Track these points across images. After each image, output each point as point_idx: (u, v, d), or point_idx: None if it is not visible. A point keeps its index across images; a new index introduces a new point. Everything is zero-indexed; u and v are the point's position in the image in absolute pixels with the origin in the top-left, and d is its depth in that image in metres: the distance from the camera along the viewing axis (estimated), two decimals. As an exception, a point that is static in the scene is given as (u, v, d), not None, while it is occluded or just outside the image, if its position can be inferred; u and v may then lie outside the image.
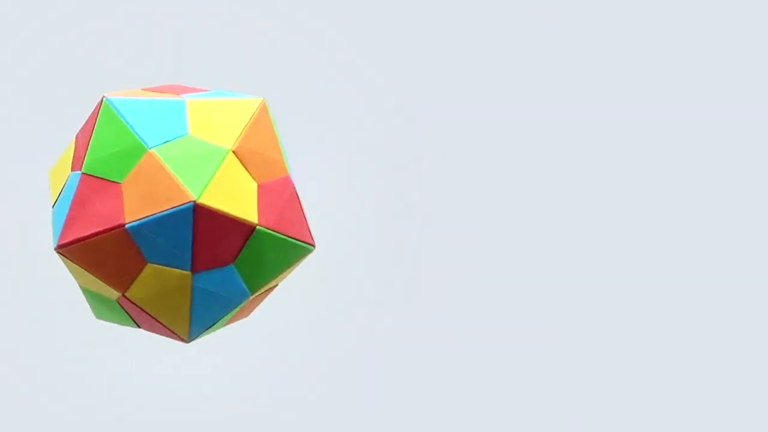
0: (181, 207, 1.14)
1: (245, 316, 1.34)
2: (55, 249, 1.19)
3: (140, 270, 1.19)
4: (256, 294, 1.27)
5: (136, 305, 1.22)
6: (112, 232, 1.16)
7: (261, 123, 1.22)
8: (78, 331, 1.80)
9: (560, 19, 1.87)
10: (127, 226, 1.16)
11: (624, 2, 1.87)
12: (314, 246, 1.27)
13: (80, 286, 1.27)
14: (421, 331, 1.86)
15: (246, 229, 1.19)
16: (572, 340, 1.86)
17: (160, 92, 1.27)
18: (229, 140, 1.19)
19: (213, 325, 1.26)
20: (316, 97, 1.84)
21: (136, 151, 1.17)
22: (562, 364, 1.86)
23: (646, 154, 1.89)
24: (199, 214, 1.14)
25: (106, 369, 1.82)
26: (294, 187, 1.25)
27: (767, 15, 1.86)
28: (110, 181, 1.18)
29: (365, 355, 1.86)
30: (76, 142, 1.25)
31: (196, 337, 1.26)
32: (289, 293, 1.44)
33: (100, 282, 1.21)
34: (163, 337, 1.29)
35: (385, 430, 1.84)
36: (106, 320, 1.31)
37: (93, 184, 1.19)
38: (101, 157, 1.19)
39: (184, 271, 1.18)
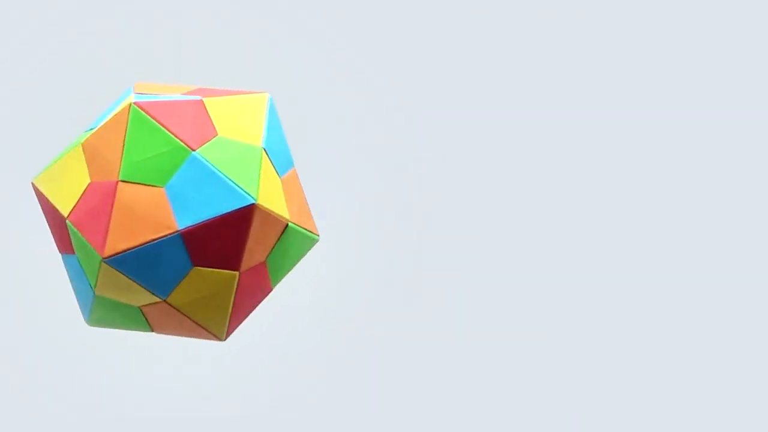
0: (240, 209, 1.14)
1: None
2: (103, 260, 1.17)
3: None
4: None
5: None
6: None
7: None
8: (78, 332, 1.80)
9: (560, 20, 1.87)
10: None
11: (624, 2, 1.87)
12: (318, 236, 1.28)
13: (98, 295, 1.25)
14: (421, 331, 1.86)
15: (282, 226, 1.20)
16: (572, 339, 1.86)
17: (165, 91, 1.27)
18: (256, 138, 1.20)
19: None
20: (316, 97, 1.84)
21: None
22: (561, 364, 1.86)
23: (645, 154, 1.89)
24: (258, 215, 1.15)
25: (106, 369, 1.82)
26: (299, 179, 1.26)
27: (767, 15, 1.86)
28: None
29: (365, 355, 1.86)
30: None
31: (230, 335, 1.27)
32: (289, 293, 1.45)
33: (139, 289, 1.20)
34: (164, 337, 1.29)
35: (385, 430, 1.84)
36: (101, 326, 1.30)
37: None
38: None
39: (232, 272, 1.18)
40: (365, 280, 1.87)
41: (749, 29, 1.86)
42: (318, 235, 1.29)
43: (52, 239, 1.30)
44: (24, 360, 1.81)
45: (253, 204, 1.16)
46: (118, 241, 1.16)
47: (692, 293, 1.87)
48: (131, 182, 1.16)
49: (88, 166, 1.20)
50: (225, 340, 1.26)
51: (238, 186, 1.16)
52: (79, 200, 1.19)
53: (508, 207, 1.87)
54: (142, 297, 1.20)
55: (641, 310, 1.87)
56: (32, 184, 1.20)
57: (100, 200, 1.18)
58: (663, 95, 1.88)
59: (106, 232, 1.17)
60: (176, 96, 1.23)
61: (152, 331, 1.28)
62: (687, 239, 1.88)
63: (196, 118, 1.20)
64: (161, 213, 1.15)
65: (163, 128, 1.18)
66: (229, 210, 1.16)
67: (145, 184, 1.16)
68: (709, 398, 1.85)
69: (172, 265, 1.17)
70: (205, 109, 1.21)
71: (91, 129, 1.24)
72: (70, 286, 1.37)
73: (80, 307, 1.27)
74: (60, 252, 1.24)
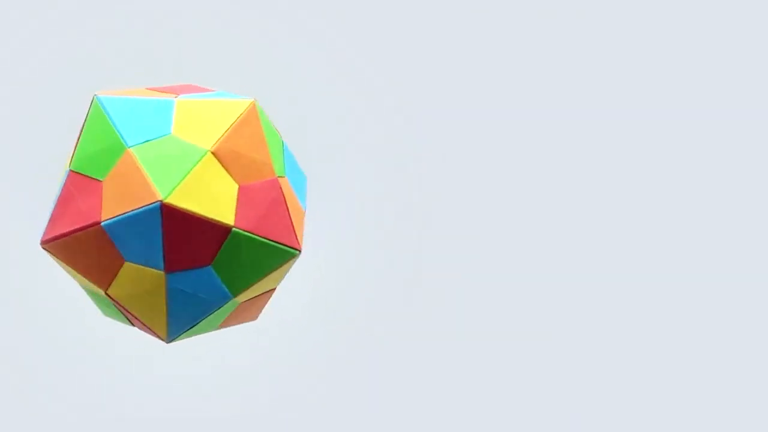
0: (149, 206, 1.14)
1: (253, 319, 1.34)
2: (40, 244, 1.20)
3: (119, 268, 1.19)
4: (245, 296, 1.26)
5: (118, 303, 1.22)
6: (90, 229, 1.17)
7: (248, 124, 1.21)
8: (78, 332, 1.80)
9: (559, 20, 1.87)
10: (102, 224, 1.16)
11: (624, 2, 1.87)
12: (299, 250, 1.26)
13: (79, 284, 1.28)
14: (421, 331, 1.86)
15: (221, 231, 1.18)
16: (571, 339, 1.86)
17: (161, 91, 1.27)
18: (209, 141, 1.19)
19: (195, 325, 1.25)
20: (316, 97, 1.84)
21: (117, 149, 1.17)
22: (561, 364, 1.86)
23: (645, 154, 1.89)
24: (166, 214, 1.14)
25: (106, 369, 1.82)
26: (281, 190, 1.23)
27: (766, 15, 1.86)
28: (93, 178, 1.18)
29: (365, 355, 1.86)
30: (220, 155, 1.22)
31: (177, 337, 1.25)
32: (289, 293, 1.45)
33: (84, 279, 1.22)
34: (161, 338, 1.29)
35: (385, 430, 1.84)
36: (111, 317, 1.30)
37: (78, 181, 1.19)
38: (87, 155, 1.19)
39: (158, 271, 1.18)
40: (365, 280, 1.87)
41: (749, 29, 1.86)
42: (298, 249, 1.27)
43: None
44: (24, 360, 1.81)
45: (160, 202, 1.15)
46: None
47: (692, 293, 1.87)
48: (78, 173, 1.19)
49: (229, 172, 1.18)
50: (169, 341, 1.25)
51: (153, 183, 1.15)
52: (237, 206, 1.18)
53: (508, 207, 1.87)
54: (94, 287, 1.22)
55: (641, 310, 1.87)
56: (167, 204, 1.17)
57: (270, 200, 1.19)
58: (662, 95, 1.88)
59: (49, 218, 1.20)
60: (156, 96, 1.24)
61: (133, 325, 1.28)
62: (687, 239, 1.88)
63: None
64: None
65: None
66: (141, 206, 1.16)
67: (88, 176, 1.18)
68: (709, 398, 1.85)
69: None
70: (172, 108, 1.21)
71: (146, 141, 1.22)
72: (69, 286, 1.37)
73: (174, 323, 1.26)
74: (178, 268, 1.22)
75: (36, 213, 1.39)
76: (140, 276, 1.18)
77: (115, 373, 1.82)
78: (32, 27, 1.77)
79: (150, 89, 1.28)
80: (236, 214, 1.18)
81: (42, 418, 1.79)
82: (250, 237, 1.19)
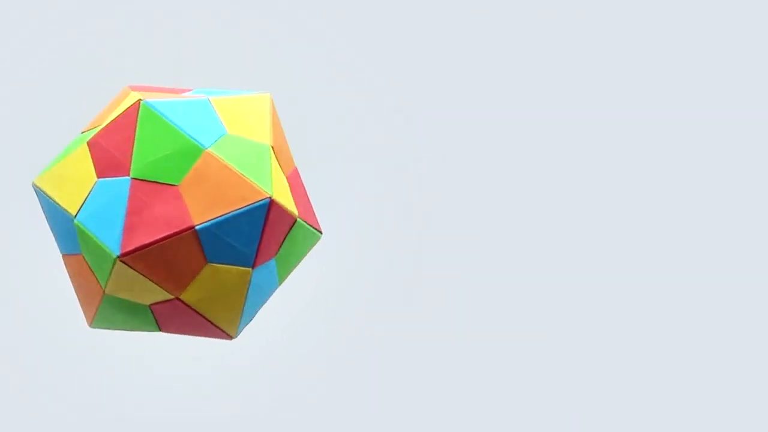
0: (257, 204, 1.14)
1: None
2: (118, 258, 1.16)
3: (199, 271, 1.18)
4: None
5: (189, 307, 1.21)
6: (182, 235, 1.16)
7: (275, 118, 1.24)
8: (78, 332, 1.80)
9: (559, 21, 1.87)
10: (197, 227, 1.15)
11: (623, 2, 1.87)
12: (321, 233, 1.28)
13: (107, 294, 1.24)
14: (421, 331, 1.86)
15: (291, 222, 1.20)
16: (571, 339, 1.86)
17: (169, 92, 1.27)
18: (264, 136, 1.20)
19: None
20: (316, 97, 1.84)
21: (190, 152, 1.17)
22: (561, 364, 1.86)
23: (644, 154, 1.89)
24: (273, 210, 1.15)
25: (106, 369, 1.82)
26: (299, 175, 1.26)
27: (766, 15, 1.86)
28: (165, 184, 1.17)
29: (365, 355, 1.86)
30: (92, 147, 1.21)
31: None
32: (289, 293, 1.45)
33: (153, 286, 1.19)
34: (163, 337, 1.29)
35: (385, 429, 1.84)
36: (104, 328, 1.29)
37: (146, 188, 1.17)
38: (151, 161, 1.18)
39: (245, 268, 1.18)
40: (365, 280, 1.87)
41: (749, 29, 1.86)
42: (321, 232, 1.29)
43: (53, 239, 1.29)
44: (24, 360, 1.81)
45: (270, 199, 1.15)
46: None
47: (692, 293, 1.87)
48: (144, 180, 1.16)
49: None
50: (235, 338, 1.26)
51: (254, 181, 1.15)
52: (86, 199, 1.18)
53: (508, 207, 1.87)
54: (154, 294, 1.20)
55: (641, 310, 1.87)
56: (33, 184, 1.19)
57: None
58: (661, 95, 1.88)
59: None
60: (186, 97, 1.23)
61: (159, 330, 1.27)
62: (686, 239, 1.88)
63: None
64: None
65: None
66: (246, 206, 1.14)
67: (158, 182, 1.16)
68: (708, 398, 1.84)
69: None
70: (213, 107, 1.21)
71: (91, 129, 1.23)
72: (69, 286, 1.37)
73: (83, 309, 1.26)
74: (62, 252, 1.23)
75: (36, 213, 1.39)
76: (223, 275, 1.18)
77: (114, 373, 1.81)
78: (32, 27, 1.77)
79: (157, 90, 1.28)
80: (82, 206, 1.18)
81: (42, 418, 1.79)
82: (303, 224, 1.22)
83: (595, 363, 1.86)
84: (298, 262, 1.29)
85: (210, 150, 1.17)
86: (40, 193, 1.21)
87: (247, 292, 1.21)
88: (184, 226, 1.16)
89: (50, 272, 1.59)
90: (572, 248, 1.87)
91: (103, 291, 1.21)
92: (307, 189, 1.35)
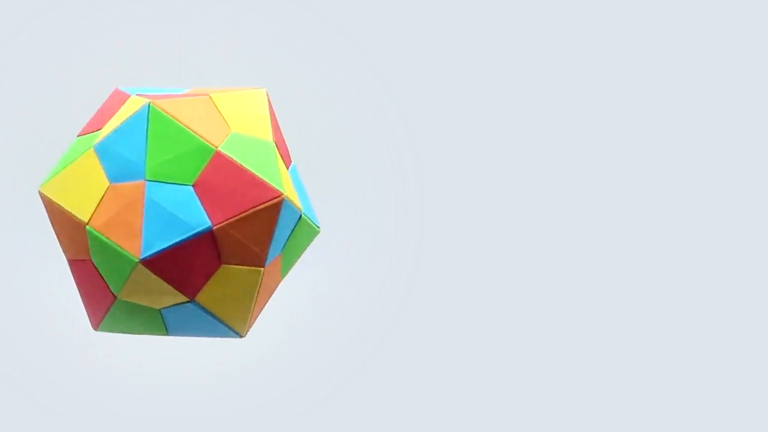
0: (271, 203, 1.14)
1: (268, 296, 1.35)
2: (139, 261, 1.16)
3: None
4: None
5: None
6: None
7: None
8: (77, 331, 1.80)
9: (559, 21, 1.87)
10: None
11: (622, 3, 1.87)
12: (319, 228, 1.28)
13: (120, 299, 1.23)
14: (421, 331, 1.86)
15: (297, 217, 1.21)
16: (572, 340, 1.86)
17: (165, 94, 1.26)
18: (265, 132, 1.20)
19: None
20: (316, 97, 1.84)
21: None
22: (561, 364, 1.86)
23: (644, 154, 1.89)
24: (284, 208, 1.15)
25: (106, 368, 1.82)
26: (142, 194, 1.22)
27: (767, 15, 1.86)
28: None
29: (365, 355, 1.86)
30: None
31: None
32: (289, 293, 1.44)
33: (168, 288, 1.19)
34: (163, 338, 1.29)
35: (385, 429, 1.84)
36: (111, 332, 1.29)
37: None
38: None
39: (256, 268, 1.18)
40: (365, 280, 1.87)
41: (749, 29, 1.86)
42: (318, 227, 1.29)
43: (58, 246, 1.28)
44: (24, 360, 1.81)
45: (282, 196, 1.15)
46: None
47: (692, 294, 1.87)
48: (159, 182, 1.16)
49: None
50: (245, 336, 1.25)
51: (266, 180, 1.16)
52: (99, 205, 1.17)
53: (508, 207, 1.87)
54: (169, 298, 1.20)
55: (641, 311, 1.87)
56: (39, 192, 1.18)
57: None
58: (660, 96, 1.88)
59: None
60: (191, 93, 1.23)
61: (167, 334, 1.27)
62: (687, 239, 1.88)
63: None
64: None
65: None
66: (260, 203, 1.15)
67: (173, 183, 1.16)
68: (709, 398, 1.85)
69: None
70: (215, 105, 1.21)
71: (88, 133, 1.23)
72: (70, 286, 1.36)
73: (89, 313, 1.25)
74: (69, 258, 1.22)
75: (35, 213, 1.39)
76: (236, 276, 1.18)
77: (114, 373, 1.82)
78: (32, 27, 1.77)
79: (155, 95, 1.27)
80: (94, 212, 1.18)
81: (42, 418, 1.79)
82: (306, 220, 1.22)
83: (596, 363, 1.86)
84: (298, 258, 1.29)
85: (221, 149, 1.17)
86: (47, 200, 1.20)
87: (258, 290, 1.21)
88: (200, 227, 1.15)
89: (50, 272, 1.59)
90: (573, 248, 1.87)
91: (114, 296, 1.20)
92: (307, 189, 1.35)
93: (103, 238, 1.16)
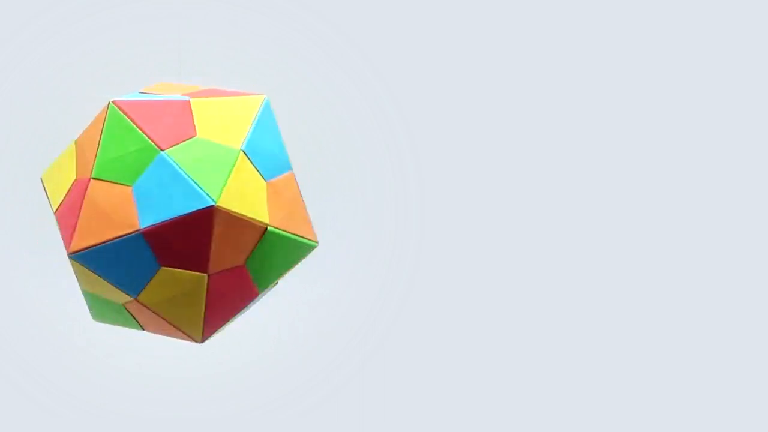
0: (199, 210, 1.13)
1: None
2: (68, 255, 1.18)
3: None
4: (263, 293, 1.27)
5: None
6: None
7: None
8: (77, 331, 1.80)
9: (559, 21, 1.87)
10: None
11: (622, 3, 1.87)
12: (317, 243, 1.26)
13: (83, 290, 1.26)
14: (421, 331, 1.86)
15: (259, 231, 1.18)
16: (572, 340, 1.86)
17: (164, 92, 1.26)
18: (237, 140, 1.19)
19: (224, 324, 1.26)
20: (316, 97, 1.84)
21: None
22: (561, 365, 1.86)
23: (643, 154, 1.89)
24: (217, 218, 1.14)
25: (106, 368, 1.82)
26: (296, 183, 1.24)
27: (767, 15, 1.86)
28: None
29: (365, 355, 1.86)
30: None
31: (209, 337, 1.26)
32: (288, 293, 1.44)
33: (111, 287, 1.20)
34: (163, 337, 1.29)
35: (385, 429, 1.84)
36: (104, 322, 1.30)
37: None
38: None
39: (199, 274, 1.17)
40: (365, 280, 1.87)
41: (749, 29, 1.86)
42: (316, 242, 1.27)
43: (58, 245, 1.30)
44: (24, 360, 1.81)
45: (212, 206, 1.14)
46: (83, 238, 1.15)
47: (692, 294, 1.87)
48: (102, 180, 1.16)
49: (76, 163, 1.20)
50: (202, 342, 1.24)
51: (200, 187, 1.14)
52: (65, 197, 1.20)
53: (509, 207, 1.87)
54: (116, 295, 1.20)
55: (640, 311, 1.87)
56: (219, 207, 1.17)
57: (75, 197, 1.18)
58: (659, 96, 1.88)
59: (74, 228, 1.17)
60: (169, 96, 1.23)
61: (143, 329, 1.28)
62: (686, 239, 1.88)
63: (176, 119, 1.19)
64: (126, 211, 1.14)
65: (136, 127, 1.17)
66: (188, 211, 1.14)
67: (114, 182, 1.16)
68: (709, 398, 1.85)
69: (139, 263, 1.17)
70: (190, 109, 1.20)
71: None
72: (70, 286, 1.37)
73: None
74: (232, 267, 1.23)
75: (35, 213, 1.39)
76: (178, 280, 1.18)
77: (114, 373, 1.82)
78: (32, 27, 1.77)
79: (146, 89, 1.27)
80: (269, 212, 1.18)
81: (42, 418, 1.79)
82: (281, 234, 1.20)
83: (597, 364, 1.86)
84: (287, 271, 1.27)
85: (165, 153, 1.17)
86: (44, 188, 1.23)
87: (207, 297, 1.20)
88: (131, 229, 1.15)
89: (50, 272, 1.59)
90: (573, 249, 1.87)
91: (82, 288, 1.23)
92: (306, 190, 1.35)
93: (60, 226, 1.19)
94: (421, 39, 1.84)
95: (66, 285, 1.39)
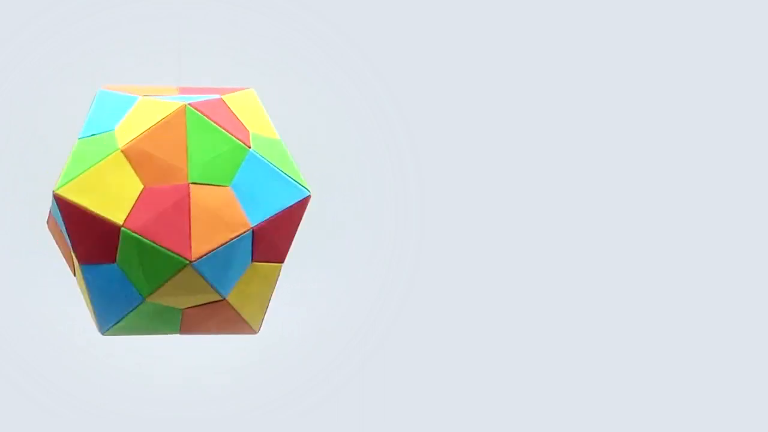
0: (299, 201, 1.21)
1: (211, 332, 1.35)
2: (191, 263, 1.17)
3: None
4: (172, 302, 1.25)
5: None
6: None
7: (172, 126, 1.20)
8: (78, 332, 1.80)
9: (559, 21, 1.87)
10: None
11: (622, 3, 1.87)
12: (189, 260, 1.23)
13: (148, 301, 1.23)
14: (421, 331, 1.86)
15: (113, 228, 1.18)
16: (572, 341, 1.86)
17: (162, 92, 1.26)
18: (272, 132, 1.23)
19: (123, 320, 1.26)
20: (316, 97, 1.84)
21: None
22: (562, 366, 1.86)
23: (643, 154, 1.89)
24: (61, 205, 1.15)
25: (106, 369, 1.82)
26: (190, 196, 1.21)
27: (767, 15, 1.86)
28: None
29: (365, 355, 1.86)
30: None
31: (107, 330, 1.26)
32: (288, 293, 1.44)
33: (209, 289, 1.20)
34: (163, 337, 1.29)
35: (385, 429, 1.84)
36: (118, 335, 1.28)
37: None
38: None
39: (278, 264, 1.22)
40: (365, 280, 1.87)
41: (749, 30, 1.86)
42: (188, 260, 1.26)
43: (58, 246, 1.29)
44: (24, 360, 1.81)
45: (309, 195, 1.21)
46: (202, 244, 1.15)
47: (691, 294, 1.87)
48: (202, 184, 1.17)
49: (137, 172, 1.18)
50: (103, 333, 1.25)
51: (292, 179, 1.21)
52: (134, 207, 1.17)
53: (508, 207, 1.87)
54: (204, 297, 1.20)
55: (640, 311, 1.87)
56: (56, 194, 1.17)
57: (171, 204, 1.17)
58: (659, 96, 1.88)
59: (189, 235, 1.17)
60: (131, 93, 1.23)
61: (179, 332, 1.27)
62: (686, 239, 1.88)
63: (231, 117, 1.21)
64: (234, 211, 1.16)
65: (220, 128, 1.19)
66: (292, 203, 1.20)
67: (214, 185, 1.17)
68: (709, 398, 1.85)
69: (240, 262, 1.18)
70: (228, 107, 1.23)
71: (92, 135, 1.22)
72: (70, 286, 1.36)
73: (99, 317, 1.24)
74: (85, 262, 1.21)
75: (35, 213, 1.39)
76: (261, 272, 1.21)
77: (114, 373, 1.82)
78: (31, 27, 1.77)
79: (155, 87, 1.28)
80: (129, 214, 1.17)
81: (42, 418, 1.79)
82: (138, 238, 1.18)
83: (598, 365, 1.86)
84: (162, 284, 1.27)
85: (253, 149, 1.19)
86: (65, 202, 1.18)
87: (86, 286, 1.21)
88: (244, 228, 1.17)
89: (50, 272, 1.59)
90: (574, 249, 1.87)
91: (138, 299, 1.21)
92: (311, 193, 1.36)
93: (143, 239, 1.16)
94: (421, 39, 1.84)
95: (66, 285, 1.39)
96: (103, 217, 1.16)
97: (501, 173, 1.87)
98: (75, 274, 1.23)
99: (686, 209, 1.87)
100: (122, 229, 1.16)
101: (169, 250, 1.17)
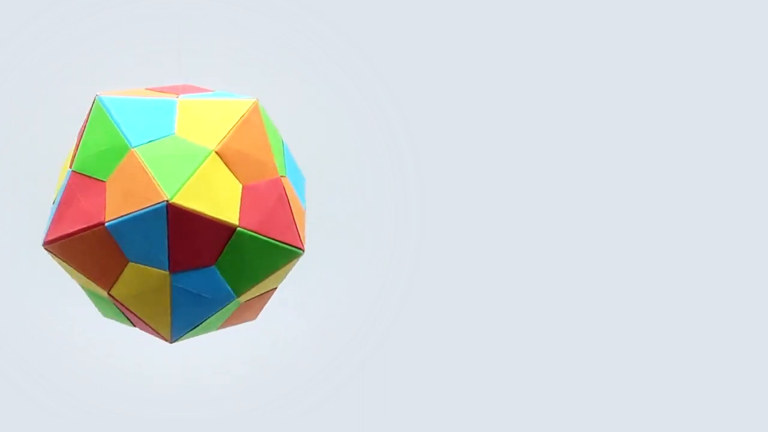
0: (155, 206, 1.13)
1: (252, 319, 1.33)
2: (42, 245, 1.19)
3: (122, 268, 1.18)
4: (247, 296, 1.25)
5: (122, 304, 1.21)
6: (94, 229, 1.16)
7: (251, 124, 1.21)
8: (77, 331, 1.80)
9: (558, 21, 1.87)
10: (106, 224, 1.16)
11: (622, 3, 1.87)
12: (303, 250, 1.25)
13: (81, 285, 1.27)
14: (421, 331, 1.86)
15: (226, 230, 1.17)
16: (572, 341, 1.86)
17: (161, 92, 1.26)
18: (214, 140, 1.18)
19: (199, 325, 1.25)
20: (316, 97, 1.84)
21: (120, 149, 1.17)
22: (562, 366, 1.86)
23: (643, 154, 1.89)
24: (173, 214, 1.14)
25: (106, 368, 1.82)
26: (284, 190, 1.23)
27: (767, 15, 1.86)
28: (96, 179, 1.17)
29: (365, 355, 1.86)
30: (76, 140, 1.23)
31: (180, 337, 1.25)
32: (288, 293, 1.44)
33: (88, 279, 1.21)
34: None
35: (385, 429, 1.84)
36: (111, 318, 1.30)
37: (81, 181, 1.18)
38: (90, 155, 1.19)
39: (162, 271, 1.17)
40: (365, 280, 1.87)
41: (749, 30, 1.86)
42: (301, 249, 1.26)
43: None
44: (23, 360, 1.81)
45: (166, 202, 1.14)
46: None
47: (691, 294, 1.87)
48: (81, 174, 1.19)
49: (232, 171, 1.18)
50: (172, 342, 1.24)
51: (159, 183, 1.15)
52: (242, 206, 1.17)
53: (508, 207, 1.87)
54: (96, 288, 1.21)
55: (639, 311, 1.87)
56: (173, 203, 1.15)
57: (275, 199, 1.20)
58: (659, 96, 1.88)
59: (296, 226, 1.23)
60: (158, 96, 1.23)
61: (134, 325, 1.28)
62: (686, 239, 1.88)
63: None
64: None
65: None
66: (148, 206, 1.15)
67: (91, 177, 1.18)
68: (709, 399, 1.85)
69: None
70: (176, 108, 1.21)
71: (150, 141, 1.20)
72: (70, 286, 1.36)
73: (176, 324, 1.25)
74: (181, 269, 1.20)
75: (35, 213, 1.39)
76: (144, 276, 1.18)
77: (114, 373, 1.82)
78: (31, 28, 1.77)
79: (150, 89, 1.27)
80: (240, 214, 1.17)
81: (42, 418, 1.79)
82: (254, 236, 1.19)
83: (599, 365, 1.86)
84: (270, 275, 1.25)
85: (135, 149, 1.17)
86: (176, 210, 1.18)
87: (171, 295, 1.20)
88: (96, 221, 1.16)
89: (50, 272, 1.59)
90: (572, 248, 1.87)
91: (234, 297, 1.23)
92: (307, 190, 1.34)
93: (260, 236, 1.20)
94: (421, 39, 1.84)
95: (66, 285, 1.39)
96: (219, 220, 1.16)
97: (501, 173, 1.87)
98: (109, 290, 1.22)
99: (686, 209, 1.87)
100: (238, 229, 1.17)
101: (284, 243, 1.19)
